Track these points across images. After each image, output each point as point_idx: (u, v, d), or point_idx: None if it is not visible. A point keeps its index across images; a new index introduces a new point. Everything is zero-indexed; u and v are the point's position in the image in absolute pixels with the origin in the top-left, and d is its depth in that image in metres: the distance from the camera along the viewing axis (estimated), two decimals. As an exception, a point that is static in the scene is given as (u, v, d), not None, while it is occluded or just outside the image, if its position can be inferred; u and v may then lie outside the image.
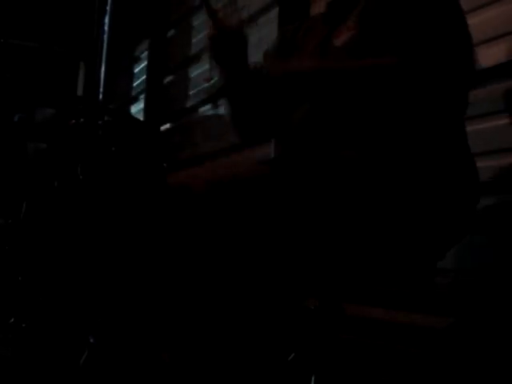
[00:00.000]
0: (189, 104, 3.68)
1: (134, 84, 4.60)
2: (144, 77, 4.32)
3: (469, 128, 1.43)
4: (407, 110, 1.30)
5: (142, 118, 4.08)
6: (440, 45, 1.29)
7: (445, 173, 1.33)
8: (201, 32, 3.52)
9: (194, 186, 1.29)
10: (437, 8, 1.33)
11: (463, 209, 1.37)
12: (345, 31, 1.42)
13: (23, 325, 1.64)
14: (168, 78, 4.06)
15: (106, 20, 1.43)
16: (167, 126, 3.94)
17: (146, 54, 4.35)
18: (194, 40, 3.70)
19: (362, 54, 1.35)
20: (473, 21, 1.37)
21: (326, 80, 1.35)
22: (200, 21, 3.58)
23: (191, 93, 3.66)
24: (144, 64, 4.36)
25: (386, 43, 1.32)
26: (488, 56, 1.67)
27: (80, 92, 4.87)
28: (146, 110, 4.20)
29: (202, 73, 3.44)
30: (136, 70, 4.60)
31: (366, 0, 1.42)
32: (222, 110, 3.22)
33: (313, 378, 1.38)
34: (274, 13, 2.80)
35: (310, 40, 1.55)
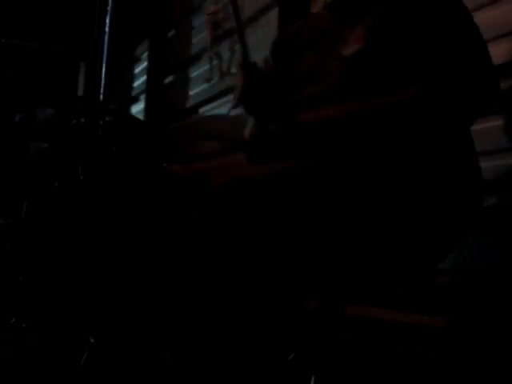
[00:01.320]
0: (189, 104, 3.68)
1: (135, 84, 4.61)
2: (144, 77, 4.32)
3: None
4: (417, 120, 1.30)
5: (142, 118, 4.08)
6: (460, 64, 1.28)
7: (448, 174, 1.33)
8: (201, 32, 3.52)
9: (209, 183, 1.28)
10: (453, 25, 1.32)
11: (466, 211, 1.37)
12: (353, 41, 1.40)
13: (23, 325, 1.64)
14: (168, 79, 4.06)
15: (107, 20, 1.43)
16: (167, 125, 3.94)
17: (146, 54, 4.35)
18: (194, 40, 3.70)
19: (372, 68, 1.34)
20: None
21: (354, 125, 1.33)
22: (200, 21, 3.58)
23: (191, 93, 3.67)
24: (144, 64, 4.36)
25: (401, 62, 1.31)
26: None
27: (80, 92, 4.87)
28: (146, 110, 4.20)
29: (201, 73, 3.44)
30: (136, 71, 4.60)
31: (379, 10, 1.40)
32: (221, 110, 3.21)
33: (313, 378, 1.39)
34: (273, 13, 2.80)
35: (313, 45, 1.54)
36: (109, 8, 1.47)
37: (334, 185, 1.28)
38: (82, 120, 1.51)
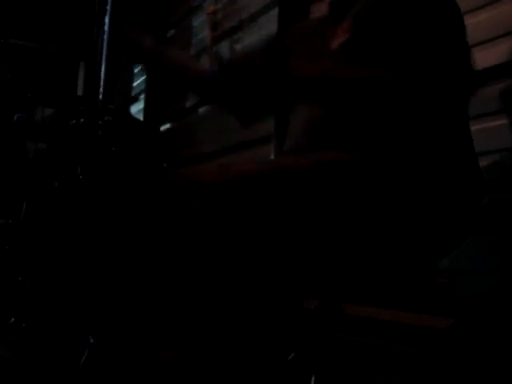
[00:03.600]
0: (189, 104, 3.68)
1: (134, 84, 4.60)
2: (144, 77, 4.32)
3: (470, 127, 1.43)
4: (405, 114, 1.30)
5: (141, 118, 4.07)
6: (434, 51, 1.29)
7: (448, 173, 1.33)
8: (201, 32, 3.52)
9: (203, 183, 1.28)
10: (430, 13, 1.33)
11: (466, 209, 1.37)
12: (340, 33, 1.42)
13: (23, 325, 1.64)
14: (168, 78, 4.05)
15: (106, 20, 1.42)
16: (167, 126, 3.94)
17: (146, 53, 4.35)
18: (193, 40, 3.70)
19: (355, 58, 1.35)
20: (472, 21, 1.37)
21: (322, 85, 1.34)
22: (200, 21, 3.58)
23: (191, 93, 3.66)
24: (144, 64, 4.36)
25: (378, 50, 1.32)
26: (488, 56, 1.67)
27: (80, 92, 4.87)
28: (145, 110, 4.20)
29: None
30: (136, 70, 4.60)
31: (360, 2, 1.42)
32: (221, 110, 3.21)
33: (313, 378, 1.39)
34: (273, 13, 2.80)
35: (310, 41, 1.55)
36: (108, 7, 1.47)
37: (330, 184, 1.28)
38: (82, 120, 1.50)
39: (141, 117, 4.13)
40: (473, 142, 1.39)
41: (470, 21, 1.39)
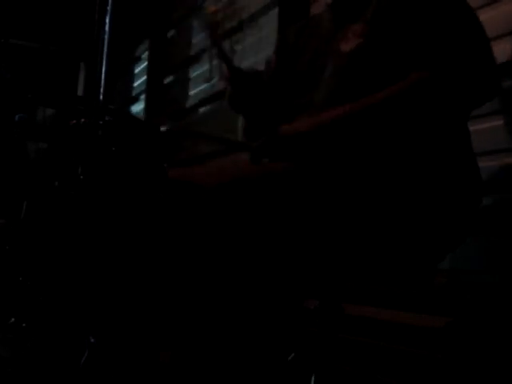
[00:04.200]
0: (189, 104, 3.69)
1: (135, 84, 4.61)
2: (144, 77, 4.32)
3: (469, 128, 1.43)
4: (419, 115, 1.29)
5: (142, 118, 4.08)
6: (462, 51, 1.27)
7: (447, 174, 1.33)
8: (201, 32, 3.52)
9: (204, 184, 1.28)
10: (450, 11, 1.31)
11: (465, 210, 1.37)
12: (352, 36, 1.40)
13: (23, 325, 1.64)
14: (168, 78, 4.06)
15: (107, 20, 1.42)
16: (167, 125, 3.94)
17: (146, 54, 4.36)
18: (194, 40, 3.70)
19: (372, 63, 1.33)
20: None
21: (355, 128, 1.31)
22: (200, 21, 3.58)
23: (191, 93, 3.67)
24: (144, 64, 4.37)
25: (396, 55, 1.30)
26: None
27: (80, 92, 4.87)
28: (146, 110, 4.21)
29: (202, 73, 3.44)
30: (136, 70, 4.60)
31: (377, 4, 1.39)
32: (221, 111, 3.21)
33: (313, 378, 1.39)
34: (273, 13, 2.81)
35: (313, 44, 1.54)
36: (109, 8, 1.47)
37: (331, 184, 1.28)
38: (82, 120, 1.50)
39: (141, 117, 4.13)
40: (470, 142, 1.39)
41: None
